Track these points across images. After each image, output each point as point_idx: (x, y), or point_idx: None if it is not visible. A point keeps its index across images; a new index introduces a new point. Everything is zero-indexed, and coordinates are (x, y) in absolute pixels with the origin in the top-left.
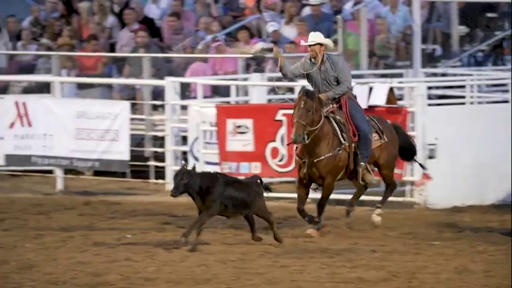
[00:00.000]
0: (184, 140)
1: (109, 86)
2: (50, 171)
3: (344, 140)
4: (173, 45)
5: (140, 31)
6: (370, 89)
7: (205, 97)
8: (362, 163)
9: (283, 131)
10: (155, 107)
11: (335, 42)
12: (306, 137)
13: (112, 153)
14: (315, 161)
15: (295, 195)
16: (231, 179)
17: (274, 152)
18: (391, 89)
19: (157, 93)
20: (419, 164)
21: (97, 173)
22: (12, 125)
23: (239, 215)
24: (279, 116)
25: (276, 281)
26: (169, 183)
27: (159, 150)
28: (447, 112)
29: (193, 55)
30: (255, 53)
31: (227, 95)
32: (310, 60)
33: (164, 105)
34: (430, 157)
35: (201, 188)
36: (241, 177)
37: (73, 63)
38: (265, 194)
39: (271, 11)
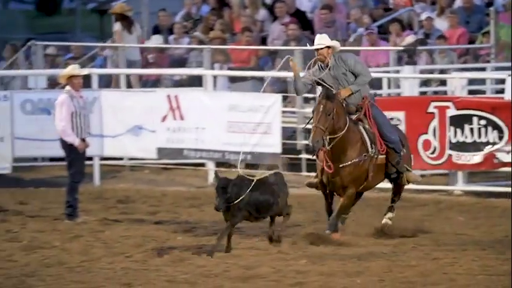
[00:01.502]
0: None
1: (261, 79)
2: (202, 164)
3: (371, 149)
4: None
5: (291, 24)
6: None
7: None
8: (403, 170)
9: (435, 123)
10: (307, 100)
11: (487, 33)
12: (325, 142)
13: (264, 146)
14: (340, 166)
15: (447, 187)
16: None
17: (426, 145)
18: None
19: None
20: None
21: (248, 165)
22: (164, 118)
23: (263, 218)
24: (431, 108)
25: (427, 274)
26: None
27: None
28: None
29: (345, 48)
30: (406, 45)
31: (379, 87)
32: (319, 65)
33: (316, 97)
34: None
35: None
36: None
37: (225, 57)
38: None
39: (423, 3)
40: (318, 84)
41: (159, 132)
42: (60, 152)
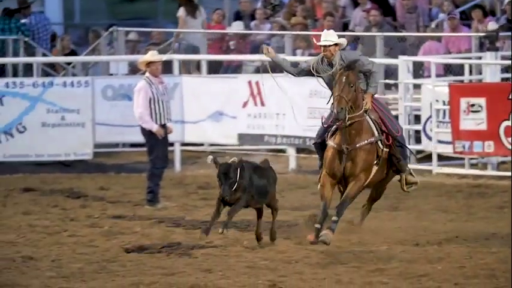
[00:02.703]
0: (417, 118)
1: None
2: (283, 151)
3: (379, 136)
4: (406, 24)
5: (373, 10)
6: None
7: (438, 76)
8: (404, 169)
9: None
10: (388, 86)
11: None
12: (347, 115)
13: None
14: (357, 146)
15: None
16: (254, 165)
17: (508, 131)
18: None
19: (390, 72)
20: None
21: None
22: (245, 104)
23: (260, 205)
24: None
25: (508, 260)
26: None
27: None
28: None
29: (427, 34)
30: (488, 31)
31: (460, 73)
32: (323, 60)
33: (397, 84)
34: None
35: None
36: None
37: (307, 43)
38: None
39: None
40: (316, 75)
41: (239, 118)
42: (141, 138)
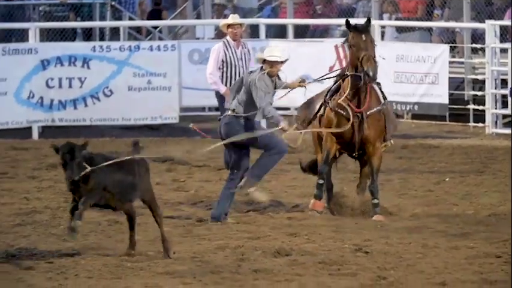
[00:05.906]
0: (504, 82)
1: (429, 30)
2: None
3: (383, 100)
4: None
5: None
6: None
7: None
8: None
9: None
10: (475, 50)
11: None
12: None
13: (431, 96)
14: (368, 113)
15: None
16: (112, 158)
17: None
18: None
19: (478, 36)
20: None
21: (415, 116)
22: (331, 68)
23: (128, 203)
24: None
25: None
26: (488, 126)
27: (479, 93)
28: None
29: None
30: None
31: None
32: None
33: (484, 48)
34: None
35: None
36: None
37: (394, 7)
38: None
39: None
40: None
41: (326, 82)
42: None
